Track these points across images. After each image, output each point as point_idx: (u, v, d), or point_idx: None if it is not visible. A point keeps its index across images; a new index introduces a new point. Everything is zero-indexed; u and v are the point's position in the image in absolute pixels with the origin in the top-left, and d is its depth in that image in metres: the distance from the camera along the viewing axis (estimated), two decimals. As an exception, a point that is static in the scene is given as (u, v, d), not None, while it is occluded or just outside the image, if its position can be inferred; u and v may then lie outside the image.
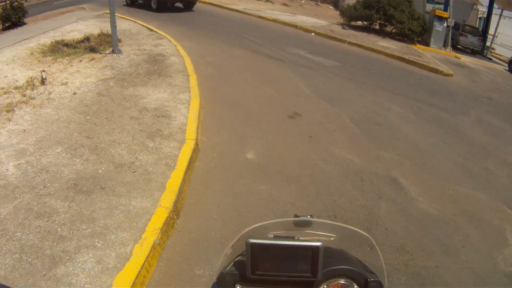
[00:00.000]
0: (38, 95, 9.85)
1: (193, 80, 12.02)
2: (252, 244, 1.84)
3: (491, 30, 37.48)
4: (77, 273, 4.88)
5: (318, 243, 1.84)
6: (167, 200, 6.36)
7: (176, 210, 6.35)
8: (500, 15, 37.05)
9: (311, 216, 2.14)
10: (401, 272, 5.93)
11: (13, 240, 5.40)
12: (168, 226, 6.00)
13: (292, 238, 1.98)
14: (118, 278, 4.86)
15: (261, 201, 7.03)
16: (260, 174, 7.86)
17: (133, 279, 4.85)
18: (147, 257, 5.24)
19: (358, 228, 2.11)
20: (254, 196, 7.16)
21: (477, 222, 7.66)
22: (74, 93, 10.08)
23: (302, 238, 2.00)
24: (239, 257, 2.11)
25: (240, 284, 1.99)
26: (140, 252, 5.28)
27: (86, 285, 4.74)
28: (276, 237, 2.03)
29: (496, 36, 39.20)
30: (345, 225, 2.17)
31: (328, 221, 2.20)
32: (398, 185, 8.24)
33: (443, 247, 6.67)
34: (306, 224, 2.14)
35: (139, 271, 4.98)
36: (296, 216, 2.15)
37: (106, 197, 6.30)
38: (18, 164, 7.06)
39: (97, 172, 6.90)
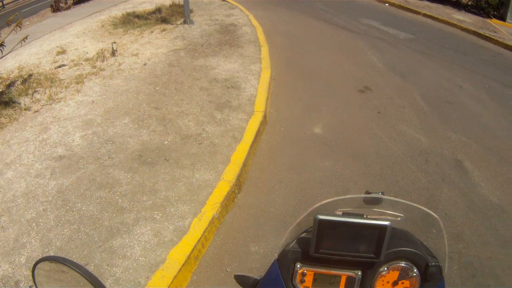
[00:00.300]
0: (108, 66, 10.08)
1: (265, 51, 12.03)
2: (321, 220, 1.81)
3: None
4: (132, 246, 5.05)
5: (387, 222, 1.81)
6: (230, 173, 6.44)
7: (238, 184, 6.43)
8: None
9: (382, 193, 2.09)
10: (453, 260, 5.90)
11: (73, 211, 5.60)
12: (229, 200, 6.09)
13: (361, 216, 1.93)
14: (173, 252, 4.98)
15: (324, 178, 7.06)
16: (326, 149, 7.90)
17: (188, 253, 4.96)
18: (204, 231, 5.34)
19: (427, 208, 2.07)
20: (317, 172, 7.20)
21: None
22: (145, 64, 10.27)
23: (371, 217, 1.95)
24: (304, 233, 2.09)
25: (301, 262, 1.99)
26: (198, 226, 5.39)
27: (140, 258, 4.89)
28: (344, 214, 1.96)
29: None
30: (416, 205, 2.07)
31: (399, 199, 2.11)
32: (462, 169, 8.11)
33: (500, 237, 6.54)
34: (376, 202, 2.08)
35: (195, 246, 5.09)
36: (367, 192, 2.12)
37: (170, 168, 6.45)
38: (85, 135, 7.30)
39: (163, 143, 7.06)
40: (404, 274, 2.00)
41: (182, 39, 12.45)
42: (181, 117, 7.89)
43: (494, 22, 25.90)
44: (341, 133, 8.60)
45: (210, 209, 5.72)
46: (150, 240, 5.18)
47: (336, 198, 2.00)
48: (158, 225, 5.41)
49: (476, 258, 6.02)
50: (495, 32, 22.43)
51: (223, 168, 6.62)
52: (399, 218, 2.10)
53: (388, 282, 2.02)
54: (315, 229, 1.83)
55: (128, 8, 17.39)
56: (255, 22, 15.17)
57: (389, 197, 2.08)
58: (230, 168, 6.62)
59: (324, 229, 1.83)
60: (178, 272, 4.77)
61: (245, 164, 6.86)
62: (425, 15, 22.98)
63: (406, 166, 7.83)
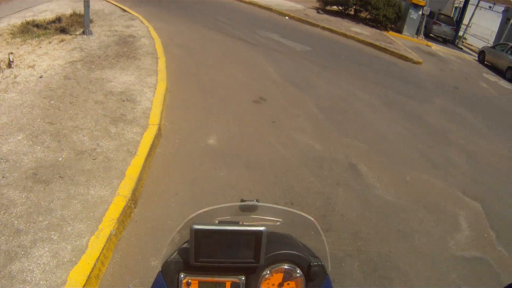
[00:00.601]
0: (4, 78, 9.77)
1: (162, 63, 11.94)
2: (196, 230, 1.82)
3: (466, 20, 37.83)
4: (32, 269, 4.83)
5: (262, 228, 1.84)
6: (125, 188, 6.31)
7: (134, 198, 6.32)
8: (477, 5, 37.51)
9: (257, 201, 2.13)
10: (354, 258, 6.04)
11: (-32, 236, 5.40)
12: (125, 215, 5.96)
13: (237, 224, 1.98)
14: (73, 273, 4.81)
15: (219, 188, 7.06)
16: (220, 160, 7.89)
17: (88, 273, 4.80)
18: (103, 249, 5.19)
19: (303, 212, 2.09)
20: (212, 182, 7.19)
21: (431, 208, 7.84)
22: (41, 77, 10.00)
23: (247, 223, 1.99)
24: (185, 244, 2.08)
25: (184, 272, 1.99)
26: (96, 244, 5.22)
27: (41, 282, 4.68)
28: (220, 223, 2.01)
29: (470, 27, 39.60)
30: (290, 209, 2.13)
31: (273, 205, 2.14)
32: (356, 172, 8.37)
33: (397, 232, 6.83)
34: (251, 209, 2.12)
35: (94, 265, 4.94)
36: (242, 200, 2.14)
37: (65, 186, 6.25)
38: (-22, 154, 7.04)
39: (57, 160, 6.85)
40: (288, 276, 2.04)
41: (80, 50, 12.22)
42: (76, 132, 7.71)
43: (391, 34, 26.97)
44: (236, 143, 8.64)
45: (107, 225, 5.56)
46: (49, 262, 4.97)
47: (211, 208, 2.02)
48: (56, 245, 5.20)
49: (376, 254, 6.24)
50: (391, 43, 23.32)
51: (118, 183, 6.47)
52: (278, 223, 2.16)
53: (273, 284, 2.06)
54: (192, 238, 1.85)
55: (28, 16, 16.87)
56: (154, 34, 15.05)
57: (262, 204, 2.13)
58: (125, 183, 6.48)
59: (202, 238, 1.86)
60: (81, 293, 4.65)
61: (140, 178, 6.74)
62: (323, 28, 23.58)
63: (300, 172, 7.96)
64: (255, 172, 7.71)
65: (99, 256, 5.07)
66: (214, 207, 2.03)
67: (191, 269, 1.98)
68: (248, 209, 2.13)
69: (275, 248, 2.03)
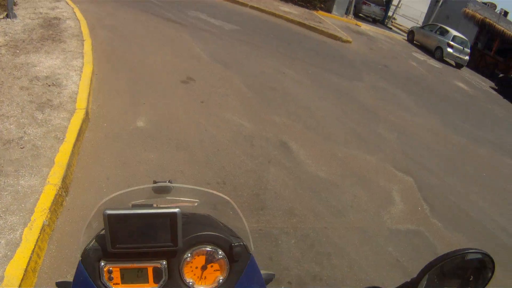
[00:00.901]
0: None
1: (88, 45, 11.67)
2: (109, 215, 1.76)
3: (395, 1, 38.54)
4: None
5: (175, 210, 1.80)
6: (55, 176, 6.11)
7: (64, 186, 6.14)
8: (406, -14, 38.22)
9: (170, 181, 2.07)
10: (290, 235, 6.07)
11: None
12: (57, 204, 5.79)
13: (150, 206, 1.92)
14: (10, 267, 4.64)
15: (150, 171, 6.97)
16: (150, 142, 7.78)
17: (25, 267, 4.65)
18: (37, 241, 5.03)
19: (219, 192, 2.05)
20: (143, 165, 7.09)
21: (364, 183, 7.97)
22: (-36, 65, 9.69)
23: (162, 206, 1.93)
24: (103, 231, 1.96)
25: (105, 260, 1.93)
26: (30, 237, 5.06)
27: None
28: (134, 206, 1.92)
29: (399, 7, 40.32)
30: (204, 189, 2.08)
31: (187, 186, 2.12)
32: (287, 149, 8.40)
33: (331, 208, 6.91)
34: (165, 190, 2.07)
35: (30, 258, 4.78)
36: (155, 182, 2.09)
37: (-6, 178, 6.09)
38: None
39: (-16, 151, 6.67)
40: (210, 258, 2.01)
41: (4, 34, 11.80)
42: (2, 121, 7.43)
43: (320, 13, 27.18)
44: (165, 125, 8.51)
45: (39, 216, 5.37)
46: (-16, 259, 4.86)
47: (123, 191, 1.97)
48: None
49: (312, 230, 6.29)
50: (320, 22, 23.50)
51: (47, 171, 6.25)
52: (196, 204, 2.13)
53: (196, 267, 2.02)
54: (106, 224, 1.79)
55: None
56: (80, 16, 14.64)
57: (175, 185, 2.08)
58: (54, 170, 6.27)
59: (116, 223, 1.80)
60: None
61: (69, 165, 6.54)
62: (252, 7, 23.53)
63: (231, 151, 7.93)
64: (186, 153, 7.63)
65: (34, 248, 4.93)
66: (126, 190, 1.98)
67: (111, 256, 1.92)
68: (162, 191, 2.10)
69: (195, 230, 2.00)
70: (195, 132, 8.38)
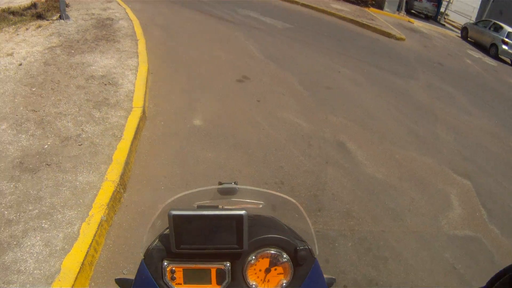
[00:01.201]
0: (-18, 69, 9.61)
1: (142, 45, 11.79)
2: (175, 215, 1.75)
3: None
4: (25, 259, 4.75)
5: (242, 212, 1.77)
6: (113, 173, 6.21)
7: (122, 183, 6.22)
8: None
9: (235, 183, 2.08)
10: (347, 237, 5.99)
11: (-41, 230, 5.27)
12: (115, 200, 5.88)
13: (216, 208, 1.89)
14: (67, 261, 4.73)
15: (208, 169, 6.96)
16: (207, 140, 7.78)
17: (81, 260, 4.72)
18: (94, 236, 5.11)
19: (284, 194, 2.03)
20: (201, 164, 7.09)
21: (422, 186, 7.81)
22: (20, 64, 9.81)
23: (227, 207, 1.91)
24: (166, 230, 2.01)
25: (168, 260, 1.92)
26: (87, 231, 5.15)
27: (35, 271, 4.61)
28: (199, 207, 1.91)
29: (451, 3, 39.65)
30: (270, 191, 2.06)
31: (252, 187, 2.11)
32: (345, 150, 8.30)
33: (389, 211, 6.79)
34: (230, 192, 2.07)
35: (87, 252, 4.86)
36: (220, 183, 2.10)
37: (52, 173, 6.13)
38: (-38, 145, 6.88)
39: (43, 147, 6.72)
40: (274, 261, 1.98)
41: (58, 35, 11.99)
42: (60, 119, 7.55)
43: (372, 10, 26.92)
44: (222, 123, 8.52)
45: (97, 212, 5.46)
46: (42, 251, 4.88)
47: (188, 192, 1.96)
48: (47, 234, 5.11)
49: (369, 233, 6.20)
50: (372, 19, 23.28)
51: (106, 168, 6.35)
52: (260, 206, 2.10)
53: (260, 270, 1.99)
54: (171, 225, 1.78)
55: (2, 3, 16.55)
56: (132, 16, 14.84)
57: (241, 186, 2.08)
58: (113, 167, 6.36)
59: (181, 224, 1.79)
60: (75, 280, 4.53)
61: (127, 162, 6.62)
62: (303, 5, 23.49)
63: (289, 151, 7.88)
64: (244, 152, 7.61)
65: (91, 243, 5.01)
66: (192, 190, 1.98)
67: (174, 256, 1.92)
68: (227, 192, 2.09)
69: (260, 232, 1.97)
70: (252, 131, 8.36)
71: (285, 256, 1.96)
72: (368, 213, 6.59)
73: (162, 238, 1.99)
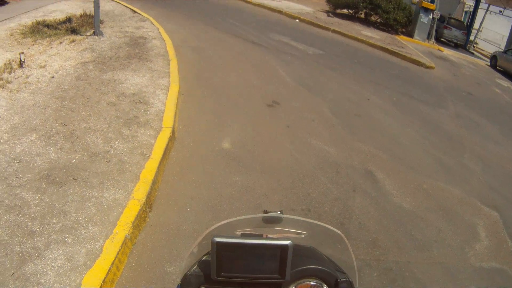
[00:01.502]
0: (15, 78, 9.71)
1: (174, 65, 11.89)
2: (218, 243, 1.71)
3: (476, 25, 37.66)
4: (46, 272, 4.76)
5: (287, 242, 1.74)
6: (140, 192, 6.22)
7: (149, 202, 6.23)
8: (487, 10, 37.41)
9: (281, 212, 2.03)
10: (372, 267, 5.94)
11: (-18, 237, 5.31)
12: (140, 219, 5.88)
13: (260, 237, 1.89)
14: (88, 277, 4.73)
15: (235, 193, 6.95)
16: (235, 164, 7.79)
17: (103, 278, 4.72)
18: (118, 253, 5.11)
19: (329, 225, 2.03)
20: (228, 187, 7.09)
21: (449, 217, 7.73)
22: (52, 77, 9.94)
23: (271, 236, 1.92)
24: (205, 256, 1.98)
25: (205, 286, 1.89)
26: (110, 248, 5.15)
27: (55, 285, 4.61)
28: (243, 235, 1.91)
29: (480, 31, 39.44)
30: (316, 222, 2.02)
31: (298, 217, 2.09)
32: (373, 178, 8.26)
33: (415, 242, 6.72)
34: (275, 221, 2.02)
35: (109, 269, 4.86)
36: (265, 212, 2.05)
37: (79, 188, 6.17)
38: (-9, 153, 6.96)
39: (71, 161, 6.77)
40: None
41: (91, 51, 12.15)
42: (89, 134, 7.63)
43: (402, 38, 26.86)
44: (251, 147, 8.53)
45: (122, 229, 5.48)
46: (63, 265, 4.89)
47: (232, 219, 1.93)
48: (70, 248, 5.13)
49: (395, 263, 6.13)
50: (402, 47, 23.22)
51: (132, 186, 6.38)
52: (302, 236, 2.07)
53: None
54: (213, 252, 1.75)
55: (38, 16, 16.83)
56: (165, 36, 15.00)
57: (287, 216, 2.03)
58: (139, 186, 6.39)
59: (223, 251, 1.75)
60: (96, 297, 4.55)
61: (154, 182, 6.64)
62: (334, 31, 23.51)
63: (317, 178, 7.85)
64: (271, 178, 7.60)
65: (114, 261, 5.01)
66: (236, 218, 1.94)
67: (212, 284, 1.88)
68: (271, 221, 2.04)
69: (301, 263, 1.93)
70: (280, 156, 8.37)
71: (325, 287, 1.93)
72: (394, 243, 6.53)
73: (201, 264, 1.96)
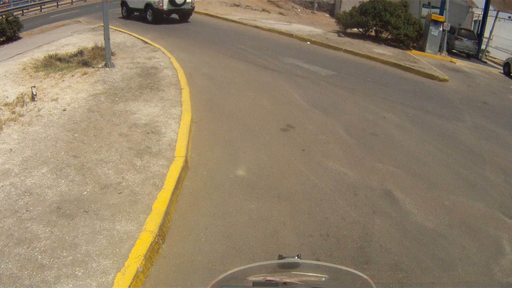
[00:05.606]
0: (28, 112, 9.76)
1: (186, 93, 11.91)
2: None
3: (486, 33, 37.44)
4: None
5: None
6: (152, 223, 6.17)
7: (161, 234, 6.16)
8: (496, 17, 37.09)
9: (298, 257, 1.93)
10: (395, 292, 5.75)
11: (-9, 269, 5.26)
12: (153, 251, 5.81)
13: (275, 286, 1.77)
14: None
15: (251, 221, 6.86)
16: (250, 191, 7.71)
17: None
18: (129, 287, 5.04)
19: (354, 269, 1.90)
20: (243, 216, 7.00)
21: (473, 232, 7.53)
22: (64, 110, 9.98)
23: (287, 280, 1.79)
24: None
25: None
26: (122, 282, 5.09)
27: None
28: (255, 284, 1.81)
29: (491, 39, 39.15)
30: (339, 266, 1.95)
31: (319, 262, 1.98)
32: (392, 198, 8.10)
33: (439, 261, 6.53)
34: (293, 267, 1.92)
35: None
36: (281, 257, 1.94)
37: (90, 221, 6.14)
38: (2, 186, 6.95)
39: (82, 193, 6.75)
40: None
41: (103, 83, 12.22)
42: (100, 165, 7.62)
43: (414, 53, 26.74)
44: (266, 174, 8.45)
45: (134, 262, 5.42)
46: (72, 299, 4.87)
47: (244, 267, 1.86)
48: (80, 282, 5.09)
49: (419, 286, 5.96)
50: (415, 62, 23.11)
51: (144, 218, 6.34)
52: (323, 279, 1.94)
53: None
54: None
55: (51, 50, 17.06)
56: (176, 65, 15.08)
57: (305, 261, 1.94)
58: (152, 217, 6.34)
59: None
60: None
61: (167, 213, 6.59)
62: (346, 51, 23.49)
63: (334, 201, 7.72)
64: (288, 203, 7.49)
65: (125, 294, 4.91)
66: (249, 265, 1.87)
67: None
68: (289, 267, 1.94)
69: None
70: (296, 181, 8.25)
71: None
72: (417, 265, 6.35)
73: None
